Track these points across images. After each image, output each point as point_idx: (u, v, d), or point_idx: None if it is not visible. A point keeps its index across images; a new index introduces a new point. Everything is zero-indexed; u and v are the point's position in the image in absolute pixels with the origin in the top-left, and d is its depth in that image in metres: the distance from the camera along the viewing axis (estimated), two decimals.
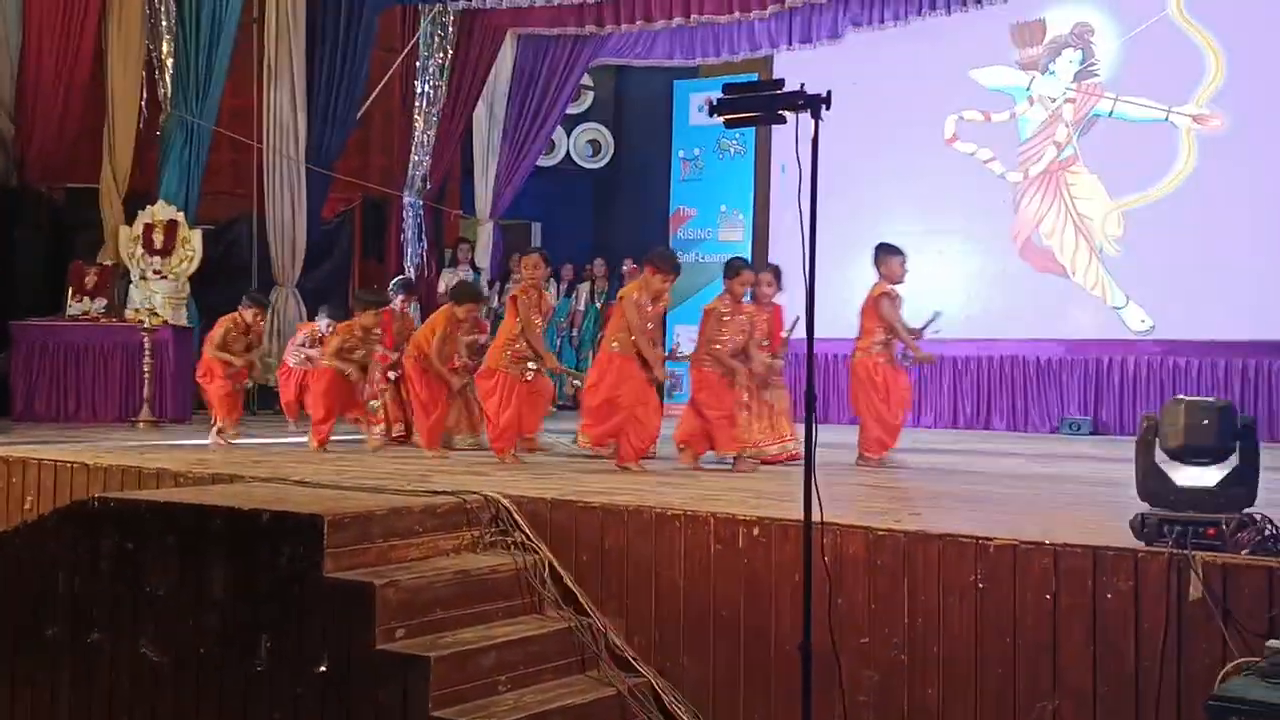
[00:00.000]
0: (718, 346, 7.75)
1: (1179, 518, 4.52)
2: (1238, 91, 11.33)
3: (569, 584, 5.65)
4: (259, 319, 10.02)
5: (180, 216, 11.77)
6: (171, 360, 11.42)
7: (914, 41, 12.51)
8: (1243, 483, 4.64)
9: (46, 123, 11.81)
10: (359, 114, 13.44)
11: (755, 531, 5.28)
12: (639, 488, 6.51)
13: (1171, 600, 4.36)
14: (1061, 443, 10.87)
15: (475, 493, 5.94)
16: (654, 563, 5.51)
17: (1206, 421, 4.53)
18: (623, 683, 5.30)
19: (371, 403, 9.20)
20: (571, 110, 15.30)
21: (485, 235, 14.02)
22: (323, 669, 5.08)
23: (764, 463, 7.83)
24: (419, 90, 13.36)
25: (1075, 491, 6.88)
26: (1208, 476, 4.68)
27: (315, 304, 11.90)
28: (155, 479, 6.93)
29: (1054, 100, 12.38)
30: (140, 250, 11.62)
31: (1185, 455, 4.69)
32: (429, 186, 13.59)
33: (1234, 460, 4.65)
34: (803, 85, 4.39)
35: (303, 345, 10.72)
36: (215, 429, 9.31)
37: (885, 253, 8.28)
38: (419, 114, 13.36)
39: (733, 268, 8.02)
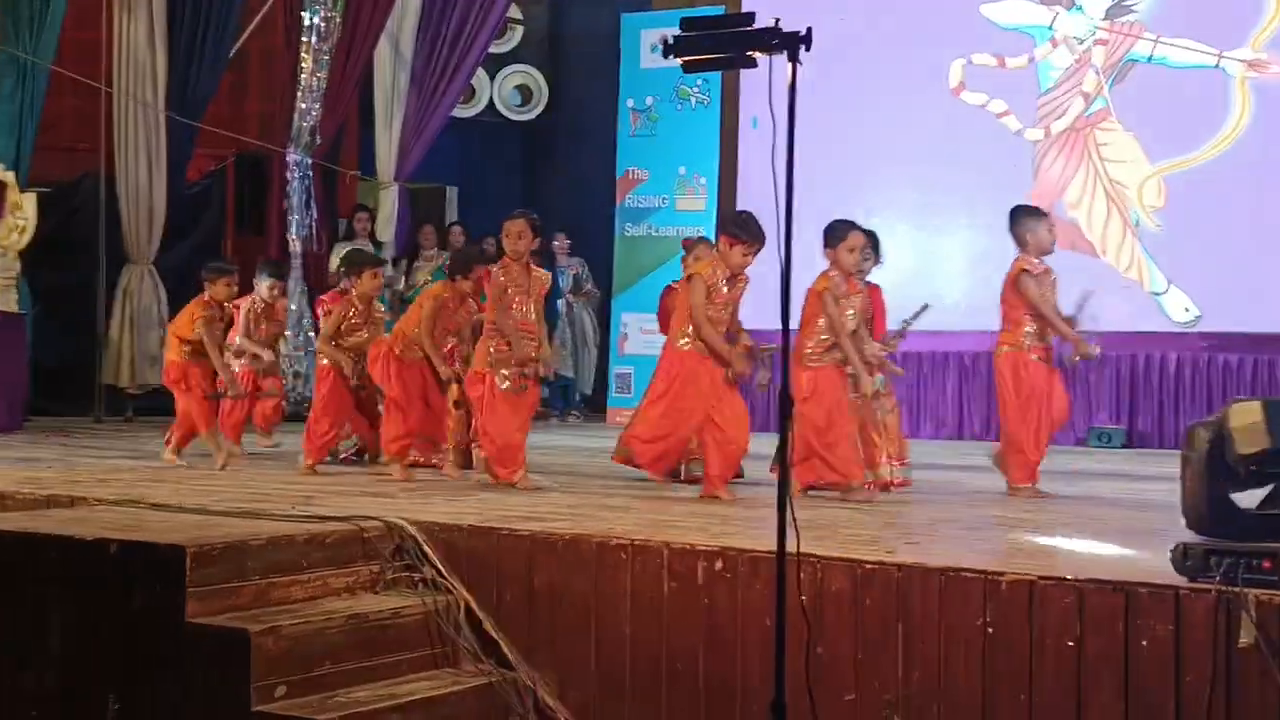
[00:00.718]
0: (824, 337, 7.51)
1: (1230, 548, 4.57)
2: None
3: (490, 630, 5.65)
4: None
5: (10, 177, 11.62)
6: None
7: None
8: None
9: None
10: (232, 51, 13.32)
11: (718, 565, 5.29)
12: (576, 512, 6.51)
13: (1220, 647, 4.42)
14: (1089, 457, 10.98)
15: (375, 519, 5.91)
16: (594, 604, 5.51)
17: None
18: None
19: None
20: (496, 48, 15.25)
21: (389, 202, 13.94)
22: None
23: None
24: (307, 22, 13.23)
25: (1105, 516, 6.94)
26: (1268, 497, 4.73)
27: (178, 286, 11.76)
28: None
29: (1082, 42, 12.50)
30: None
31: (1268, 462, 4.67)
32: (319, 142, 13.48)
33: None
34: (778, 21, 4.41)
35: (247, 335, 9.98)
36: (173, 444, 9.07)
37: (1024, 217, 8.02)
38: (307, 52, 13.23)
39: (837, 232, 7.62)
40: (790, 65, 4.32)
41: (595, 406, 14.58)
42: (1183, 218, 11.96)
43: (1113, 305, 12.32)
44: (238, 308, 9.52)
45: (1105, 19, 12.40)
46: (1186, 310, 11.99)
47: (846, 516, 6.60)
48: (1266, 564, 4.49)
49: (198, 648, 5.06)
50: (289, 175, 13.32)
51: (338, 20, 13.30)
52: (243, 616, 5.16)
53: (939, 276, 12.25)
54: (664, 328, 8.24)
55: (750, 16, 4.65)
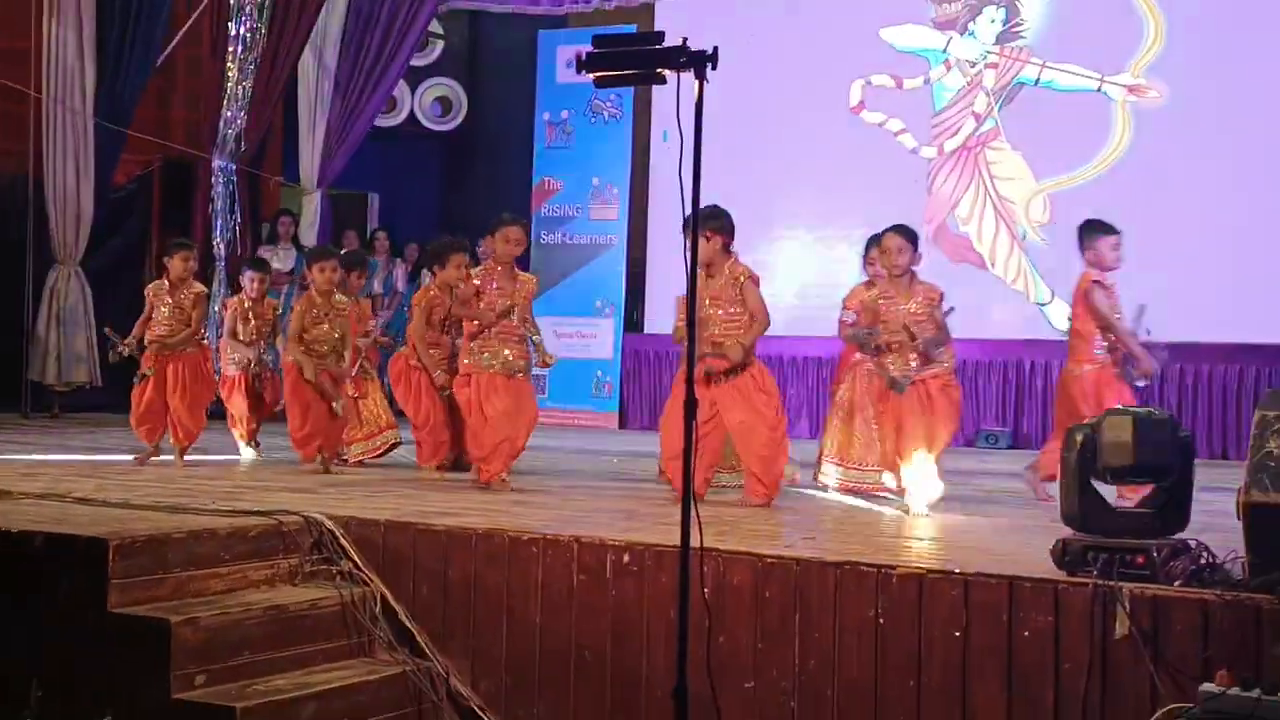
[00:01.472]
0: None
1: (1105, 544, 4.65)
2: (1178, 60, 11.68)
3: (404, 621, 5.63)
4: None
5: None
6: None
7: None
8: (1178, 505, 4.79)
9: None
10: (159, 59, 13.14)
11: (625, 559, 5.30)
12: (490, 508, 6.49)
13: (1096, 638, 4.49)
14: (977, 458, 11.09)
15: (294, 513, 5.88)
16: (506, 595, 5.51)
17: (1159, 437, 4.65)
18: None
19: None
20: (417, 61, 15.17)
21: (311, 207, 13.82)
22: None
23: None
24: (232, 32, 13.10)
25: (991, 513, 7.03)
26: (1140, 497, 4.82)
27: (104, 286, 11.58)
28: None
29: (974, 65, 12.65)
30: None
31: (1129, 475, 4.81)
32: (244, 148, 13.33)
33: (1170, 479, 4.79)
34: (685, 40, 4.42)
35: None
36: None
37: (1093, 232, 7.69)
38: (232, 61, 13.10)
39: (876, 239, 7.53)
40: (697, 82, 4.34)
41: None
42: (1066, 233, 11.95)
43: (1001, 314, 12.50)
44: (226, 308, 9.42)
45: (996, 44, 12.56)
46: (1068, 320, 12.09)
47: (748, 514, 6.63)
48: (1140, 560, 4.58)
49: (119, 637, 5.02)
50: (214, 180, 13.19)
51: (263, 31, 13.17)
52: (164, 607, 5.12)
53: (839, 283, 12.30)
54: None
55: (660, 35, 4.66)
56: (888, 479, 7.30)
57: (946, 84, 12.78)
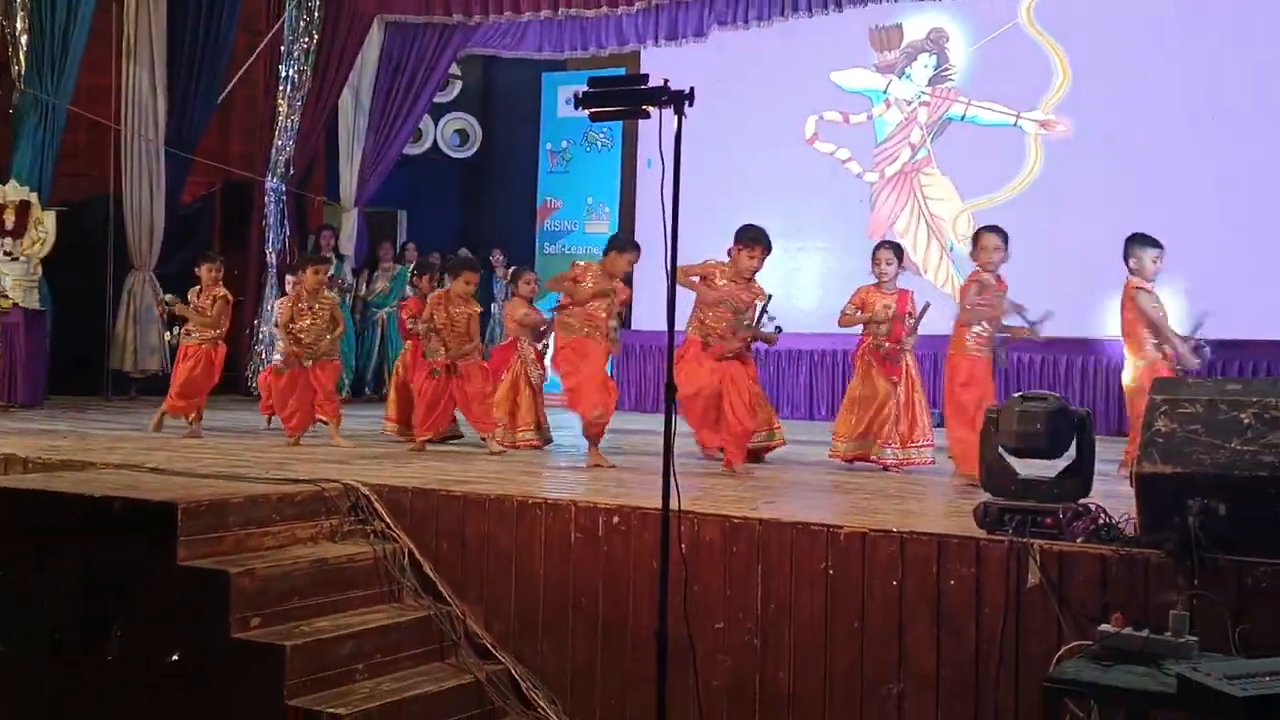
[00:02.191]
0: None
1: (1019, 507, 4.67)
2: (1081, 99, 11.69)
3: (428, 572, 5.63)
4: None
5: (33, 197, 11.36)
6: (22, 344, 11.03)
7: (777, 41, 12.62)
8: (1079, 474, 4.82)
9: None
10: (221, 96, 13.10)
11: (615, 520, 5.30)
12: (502, 476, 6.49)
13: (1011, 586, 4.50)
14: None
15: (334, 481, 5.88)
16: (514, 551, 5.51)
17: (1039, 423, 4.71)
18: (481, 670, 5.31)
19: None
20: (439, 99, 15.11)
21: (350, 223, 13.78)
22: (176, 658, 4.97)
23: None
24: (283, 74, 13.05)
25: (924, 482, 7.05)
26: (1046, 468, 4.85)
27: (174, 291, 11.49)
28: (3, 465, 6.69)
29: (909, 103, 12.64)
30: None
31: (1020, 453, 4.86)
32: (292, 172, 13.29)
33: (1071, 453, 4.82)
34: (667, 81, 4.41)
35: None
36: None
37: (1139, 245, 7.25)
38: (283, 98, 13.05)
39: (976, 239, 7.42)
40: (676, 117, 4.34)
41: None
42: None
43: (931, 313, 12.46)
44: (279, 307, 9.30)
45: (928, 85, 12.55)
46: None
47: (719, 481, 6.63)
48: (1049, 521, 4.60)
49: (186, 586, 5.02)
50: (266, 200, 13.15)
51: (309, 74, 13.12)
52: (224, 560, 5.13)
53: (797, 289, 12.33)
54: None
55: (645, 77, 4.66)
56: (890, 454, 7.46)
57: (887, 119, 12.76)
